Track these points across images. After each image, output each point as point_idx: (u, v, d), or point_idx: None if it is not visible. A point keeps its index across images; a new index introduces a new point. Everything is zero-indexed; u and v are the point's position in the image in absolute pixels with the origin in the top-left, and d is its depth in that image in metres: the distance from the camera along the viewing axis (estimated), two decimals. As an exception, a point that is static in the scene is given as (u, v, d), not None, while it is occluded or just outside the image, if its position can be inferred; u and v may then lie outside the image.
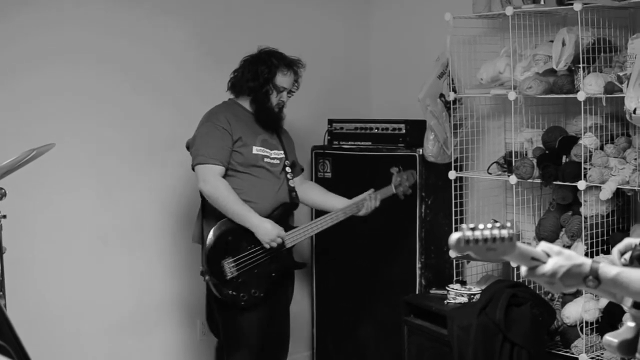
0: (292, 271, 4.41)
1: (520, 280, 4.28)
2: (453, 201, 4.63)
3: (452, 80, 4.62)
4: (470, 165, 4.81)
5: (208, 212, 4.18)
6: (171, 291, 4.83)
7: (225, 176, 4.13)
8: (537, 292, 4.21)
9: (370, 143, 4.93)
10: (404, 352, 4.51)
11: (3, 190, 3.36)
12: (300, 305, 5.26)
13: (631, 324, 2.20)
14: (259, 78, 4.21)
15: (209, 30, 4.88)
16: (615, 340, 2.20)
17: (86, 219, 4.50)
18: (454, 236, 1.88)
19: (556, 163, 4.13)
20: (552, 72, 4.16)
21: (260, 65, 4.22)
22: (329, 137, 5.12)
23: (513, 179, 4.24)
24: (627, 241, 2.31)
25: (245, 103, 4.29)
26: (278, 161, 4.29)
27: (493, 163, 4.54)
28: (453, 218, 4.63)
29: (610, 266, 2.06)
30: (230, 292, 4.04)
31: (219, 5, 4.93)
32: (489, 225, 1.90)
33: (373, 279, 4.90)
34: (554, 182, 4.11)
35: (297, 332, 5.24)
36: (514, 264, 4.06)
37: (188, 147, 4.27)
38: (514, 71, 4.29)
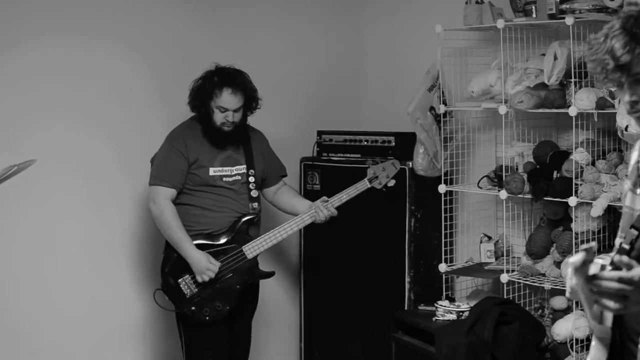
0: (257, 283, 4.39)
1: (509, 297, 4.24)
2: (443, 215, 4.59)
3: (443, 93, 4.57)
4: (461, 179, 4.75)
5: None
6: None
7: (181, 193, 4.15)
8: (526, 309, 4.16)
9: (359, 155, 4.88)
10: (392, 370, 4.46)
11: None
12: (288, 319, 5.22)
13: None
14: (199, 97, 4.13)
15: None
16: None
17: (70, 233, 4.44)
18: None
19: (547, 178, 4.09)
20: (543, 86, 4.12)
21: (205, 83, 4.12)
22: (317, 149, 5.07)
23: (503, 194, 4.19)
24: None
25: None
26: (239, 177, 4.25)
27: (483, 177, 4.49)
28: (442, 232, 4.59)
29: None
30: (191, 308, 4.09)
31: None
32: None
33: (362, 293, 4.84)
34: (545, 198, 4.07)
35: (284, 346, 5.22)
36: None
37: (151, 162, 4.27)
38: (505, 84, 4.24)
